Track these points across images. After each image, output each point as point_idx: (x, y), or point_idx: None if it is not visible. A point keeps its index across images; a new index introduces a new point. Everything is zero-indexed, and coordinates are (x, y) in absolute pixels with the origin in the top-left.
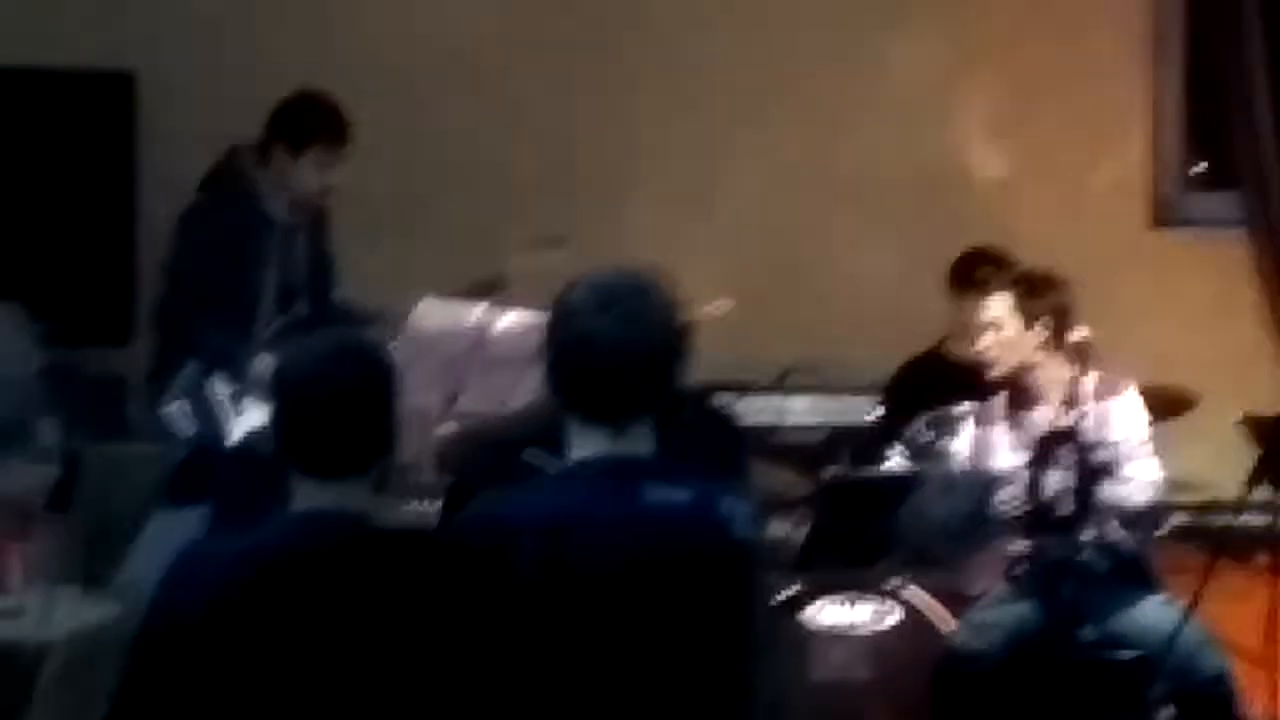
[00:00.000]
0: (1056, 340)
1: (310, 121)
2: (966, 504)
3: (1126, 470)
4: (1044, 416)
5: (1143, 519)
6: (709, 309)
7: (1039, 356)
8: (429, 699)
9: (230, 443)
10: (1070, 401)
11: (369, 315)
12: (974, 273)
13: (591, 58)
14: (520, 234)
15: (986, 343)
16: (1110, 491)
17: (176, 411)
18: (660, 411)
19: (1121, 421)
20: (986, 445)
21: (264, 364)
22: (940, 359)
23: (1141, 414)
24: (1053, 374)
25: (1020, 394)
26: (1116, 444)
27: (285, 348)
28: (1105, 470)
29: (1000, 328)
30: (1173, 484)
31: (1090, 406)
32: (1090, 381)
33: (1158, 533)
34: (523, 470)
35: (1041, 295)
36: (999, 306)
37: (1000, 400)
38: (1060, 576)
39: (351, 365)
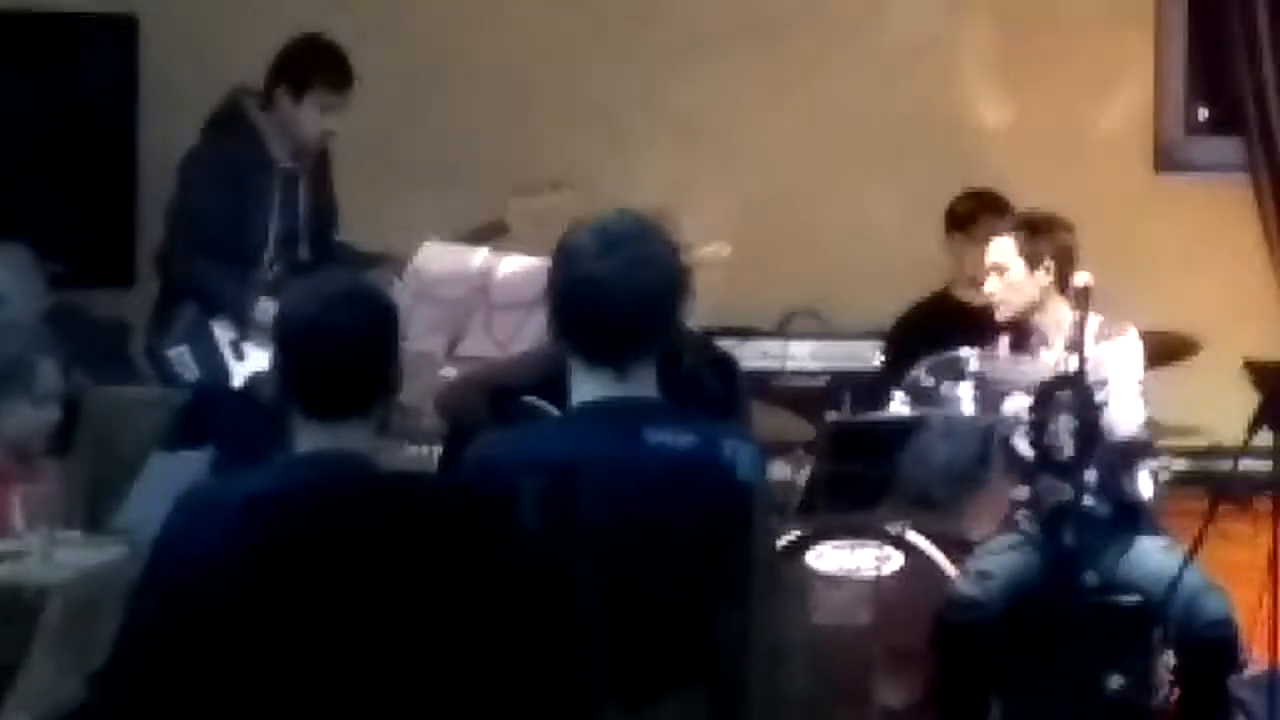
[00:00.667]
0: (1060, 283)
1: (313, 65)
2: (968, 449)
3: (1111, 406)
4: (1049, 358)
5: (1126, 455)
6: (707, 252)
7: (1043, 299)
8: (437, 641)
9: (233, 386)
10: (1073, 345)
11: (371, 259)
12: (972, 215)
13: (596, 3)
14: (522, 177)
15: (991, 286)
16: (1110, 435)
17: (178, 356)
18: (663, 355)
19: (1117, 363)
20: (990, 385)
21: (266, 308)
22: (944, 303)
23: (1138, 358)
24: (1056, 317)
25: (1024, 337)
26: (1107, 384)
27: (288, 290)
28: (1103, 412)
29: (1005, 270)
30: (1174, 429)
31: (1092, 349)
32: (1093, 325)
33: (1157, 477)
34: (522, 415)
35: (1045, 237)
36: (1003, 249)
37: (1004, 343)
38: (1062, 522)
39: (354, 307)
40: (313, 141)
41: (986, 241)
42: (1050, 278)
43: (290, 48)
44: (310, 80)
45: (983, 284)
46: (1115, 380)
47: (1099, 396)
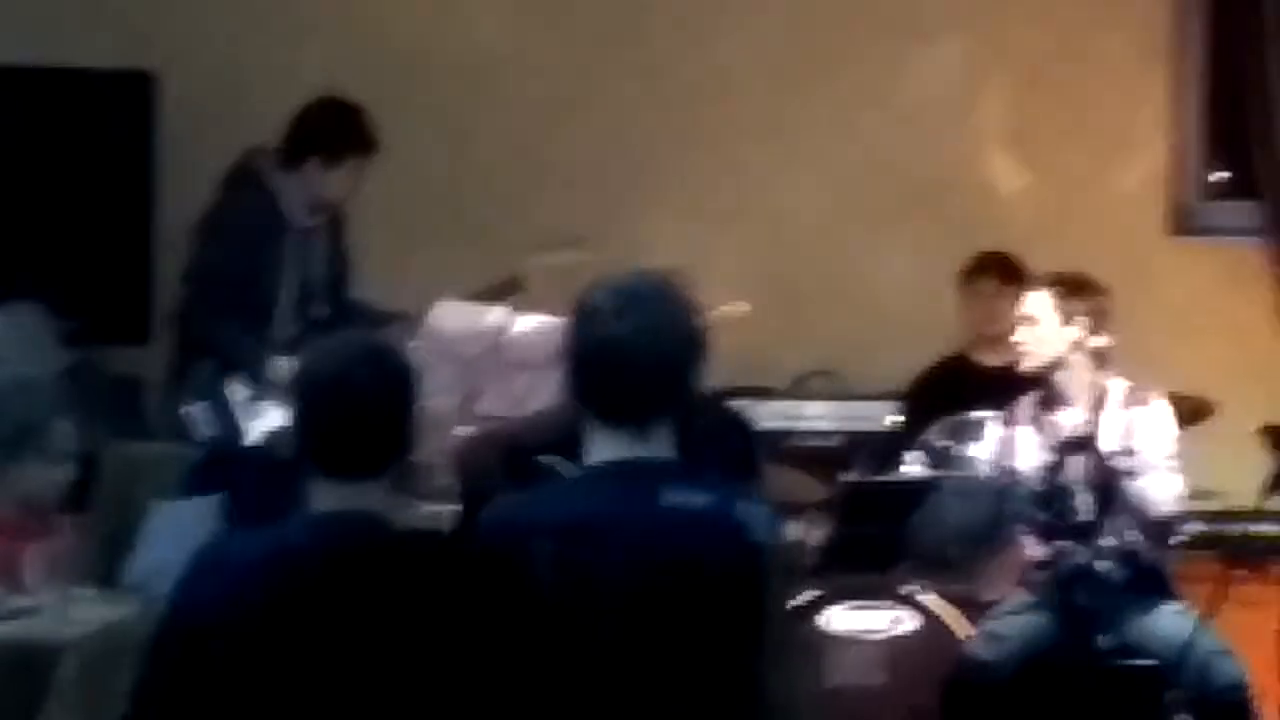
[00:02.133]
0: (1090, 342)
1: (346, 135)
2: (983, 510)
3: (1148, 480)
4: (1070, 420)
5: (1160, 529)
6: (725, 310)
7: (1071, 356)
8: (447, 702)
9: (248, 444)
10: (1097, 406)
11: (386, 317)
12: (987, 273)
13: (611, 62)
14: (536, 236)
15: (1021, 336)
16: (1131, 500)
17: (195, 413)
18: (679, 415)
19: (1148, 432)
20: (1011, 446)
21: (282, 366)
22: (960, 365)
23: (1170, 426)
24: (1082, 377)
25: (1048, 395)
26: (1140, 454)
27: (306, 349)
28: (1126, 478)
29: (1035, 322)
30: (1190, 492)
31: (1118, 414)
32: (1119, 388)
33: (1174, 542)
34: (538, 474)
35: (1081, 296)
36: (1038, 302)
37: (1028, 401)
38: (1076, 584)
39: (371, 367)
40: (337, 202)
41: (999, 300)
42: (1081, 335)
43: (318, 114)
44: (345, 149)
45: (998, 342)
46: (1147, 449)
47: (1128, 464)
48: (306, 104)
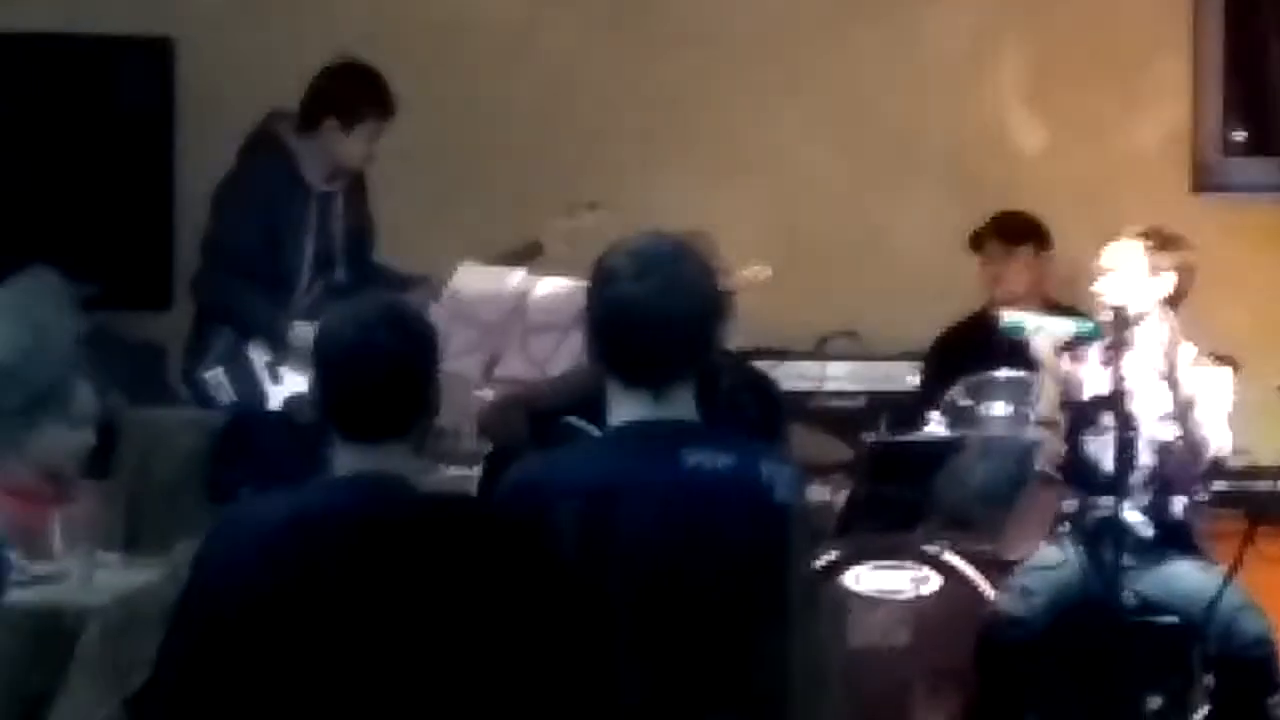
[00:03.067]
0: (1173, 300)
1: (363, 97)
2: (1006, 469)
3: (1203, 429)
4: (1138, 371)
5: (1188, 484)
6: (748, 274)
7: (1151, 310)
8: (474, 663)
9: (270, 408)
10: (1170, 364)
11: (409, 280)
12: (992, 236)
13: (628, 24)
14: (557, 199)
15: (1100, 286)
16: (1173, 454)
17: (214, 379)
18: (701, 376)
19: (1208, 388)
20: (1077, 381)
21: (302, 331)
22: (982, 324)
23: (1229, 391)
24: (1154, 333)
25: (1118, 340)
26: (1198, 409)
27: (327, 313)
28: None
29: (1120, 273)
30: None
31: (1185, 372)
32: (1190, 352)
33: (1201, 499)
34: (563, 436)
35: (1172, 251)
36: (1125, 253)
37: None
38: (1103, 538)
39: (393, 330)
40: (356, 166)
41: (1009, 262)
42: (1167, 292)
43: (335, 77)
44: (362, 112)
45: (1016, 302)
46: (1203, 402)
47: (1188, 415)
48: (323, 67)
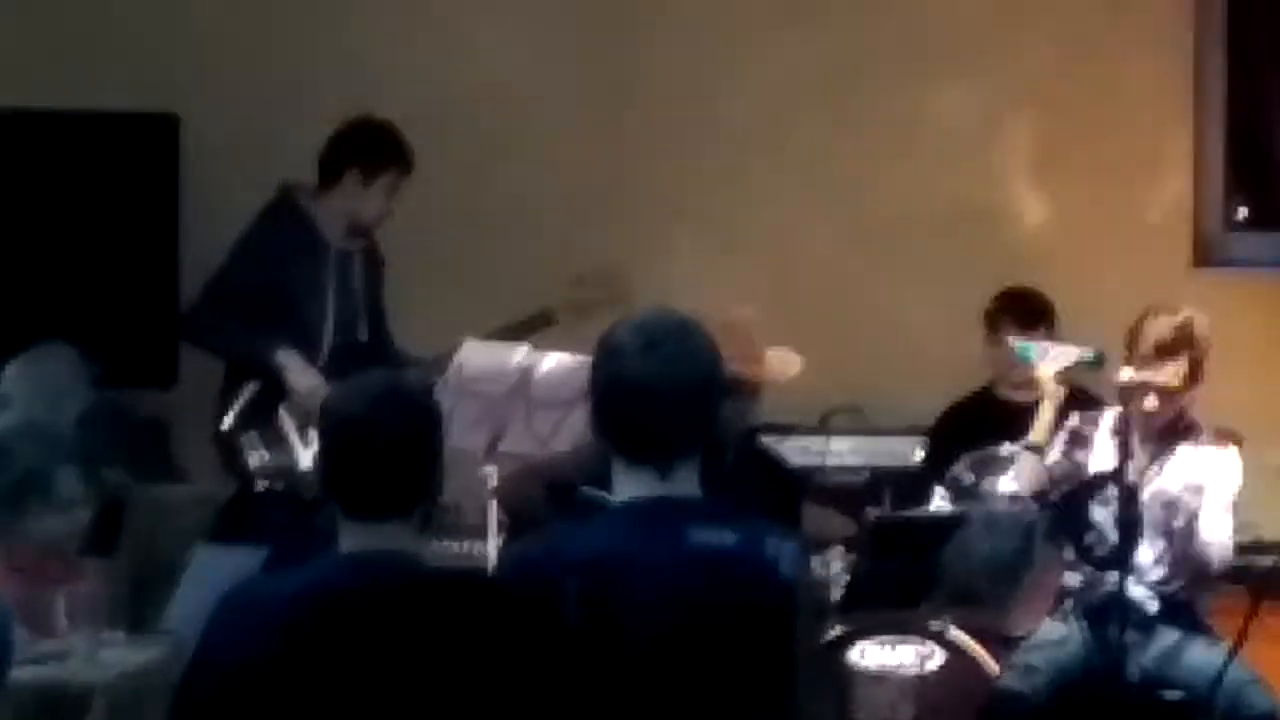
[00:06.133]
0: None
1: (384, 149)
2: (1011, 544)
3: (1204, 520)
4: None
5: (1198, 568)
6: (778, 365)
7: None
8: None
9: (274, 485)
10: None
11: (414, 361)
12: (1006, 318)
13: (631, 99)
14: (562, 274)
15: (1151, 405)
16: (1180, 537)
17: (249, 442)
18: (706, 452)
19: (1216, 475)
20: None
21: (288, 359)
22: (986, 401)
23: (1236, 476)
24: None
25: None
26: (1203, 493)
27: (333, 390)
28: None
29: (1170, 389)
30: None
31: (1193, 452)
32: (1200, 434)
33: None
34: (581, 507)
35: (1201, 352)
36: (1175, 374)
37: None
38: (1108, 614)
39: (397, 408)
40: (373, 222)
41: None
42: (1193, 388)
43: (356, 130)
44: (383, 164)
45: (1024, 383)
46: (1211, 490)
47: (1193, 503)
48: (343, 124)
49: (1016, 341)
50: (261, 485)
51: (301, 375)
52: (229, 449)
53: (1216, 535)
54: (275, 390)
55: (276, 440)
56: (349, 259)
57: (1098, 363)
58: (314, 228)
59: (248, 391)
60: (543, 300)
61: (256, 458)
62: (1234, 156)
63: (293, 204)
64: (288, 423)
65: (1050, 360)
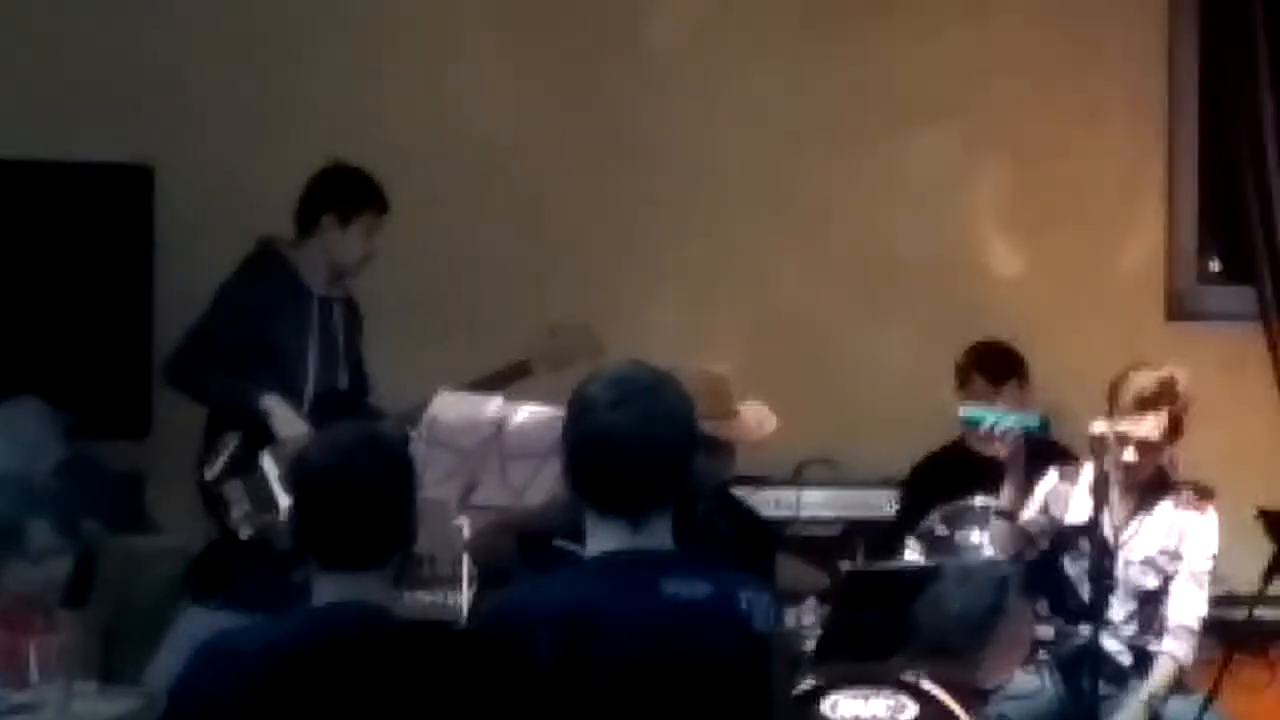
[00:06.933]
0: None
1: (358, 191)
2: (984, 597)
3: (1176, 589)
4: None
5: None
6: (753, 425)
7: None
8: None
9: (245, 537)
10: (1151, 501)
11: (388, 414)
12: (978, 372)
13: (610, 150)
14: (535, 326)
15: (1130, 457)
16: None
17: (233, 491)
18: (679, 504)
19: (1192, 539)
20: (1065, 500)
21: (273, 404)
22: (959, 454)
23: (1212, 540)
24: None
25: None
26: (1179, 559)
27: (307, 443)
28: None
29: (1151, 445)
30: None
31: (1170, 513)
32: (1177, 492)
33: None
34: (553, 559)
35: (1181, 408)
36: (1155, 427)
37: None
38: (1081, 667)
39: (370, 460)
40: (354, 266)
41: (993, 399)
42: (1174, 442)
43: (329, 176)
44: (359, 206)
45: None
46: (1188, 557)
47: (1169, 568)
48: (318, 170)
49: (965, 409)
50: (245, 534)
51: (287, 422)
52: (212, 498)
53: (1185, 617)
54: (258, 438)
55: (259, 489)
56: (330, 306)
57: (1043, 429)
58: (296, 275)
59: (231, 441)
60: (517, 351)
61: (239, 509)
62: (1207, 210)
63: (274, 253)
64: (271, 470)
65: (999, 429)
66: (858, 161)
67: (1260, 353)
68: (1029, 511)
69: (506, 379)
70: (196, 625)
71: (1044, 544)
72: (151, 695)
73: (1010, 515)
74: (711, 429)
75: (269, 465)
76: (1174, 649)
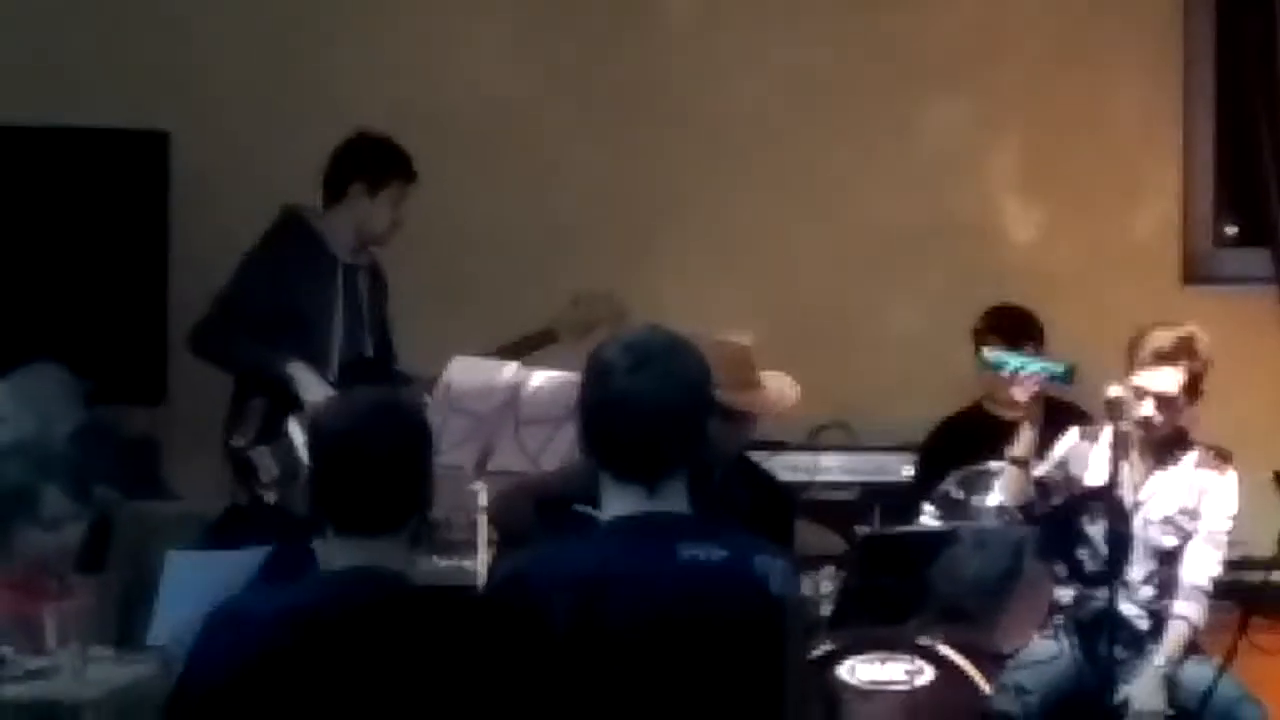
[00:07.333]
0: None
1: (387, 160)
2: (1001, 561)
3: (1193, 549)
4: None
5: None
6: (774, 397)
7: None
8: None
9: (264, 502)
10: (1164, 453)
11: (414, 379)
12: (993, 335)
13: (625, 117)
14: (551, 295)
15: (1148, 410)
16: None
17: (260, 457)
18: (696, 468)
19: (1210, 500)
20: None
21: (300, 372)
22: (977, 417)
23: (1232, 501)
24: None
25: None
26: (1197, 519)
27: (323, 408)
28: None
29: (1167, 398)
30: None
31: (1190, 474)
32: (1196, 451)
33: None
34: (572, 524)
35: (1201, 365)
36: (1170, 380)
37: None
38: (1098, 632)
39: (387, 425)
40: (382, 235)
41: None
42: (1193, 400)
43: (358, 144)
44: (388, 176)
45: (1013, 401)
46: (1206, 516)
47: (1187, 527)
48: (346, 139)
49: (991, 352)
50: (271, 498)
51: (313, 388)
52: (241, 465)
53: (1198, 578)
54: (283, 404)
55: (287, 455)
56: (356, 274)
57: (1067, 377)
58: (322, 243)
59: (260, 408)
60: (538, 318)
61: (267, 475)
62: (1223, 173)
63: (299, 221)
64: (298, 436)
65: (1025, 372)
66: (874, 128)
67: (1277, 316)
68: (1046, 465)
69: (532, 346)
70: (187, 570)
71: (1057, 499)
72: (167, 660)
73: (1024, 463)
74: (731, 400)
75: (295, 431)
76: (1186, 611)
